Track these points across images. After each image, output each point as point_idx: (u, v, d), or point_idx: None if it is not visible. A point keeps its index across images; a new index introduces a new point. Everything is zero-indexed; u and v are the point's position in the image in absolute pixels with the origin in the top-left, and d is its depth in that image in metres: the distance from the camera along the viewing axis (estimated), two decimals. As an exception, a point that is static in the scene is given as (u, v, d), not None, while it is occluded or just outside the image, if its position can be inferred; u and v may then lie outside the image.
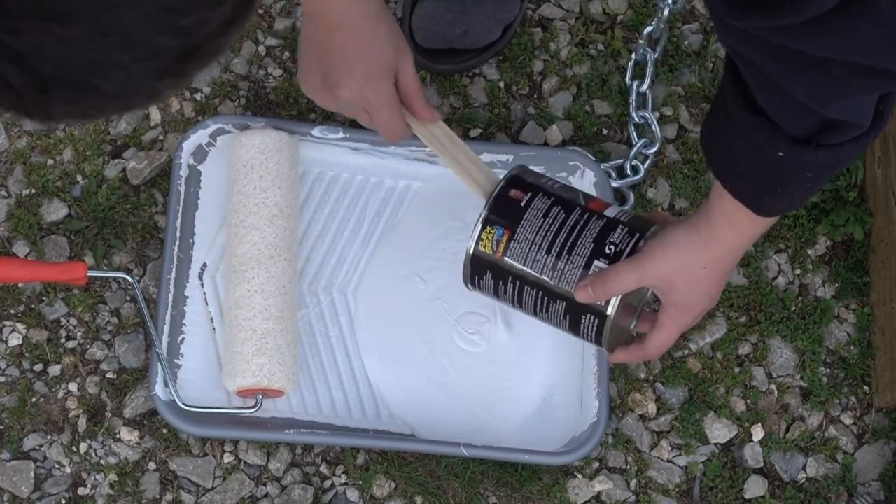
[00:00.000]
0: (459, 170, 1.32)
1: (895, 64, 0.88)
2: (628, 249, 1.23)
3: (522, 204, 1.27)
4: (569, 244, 1.25)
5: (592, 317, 1.25)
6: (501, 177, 1.30)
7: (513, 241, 1.27)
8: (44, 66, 0.58)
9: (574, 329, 1.28)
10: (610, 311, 1.24)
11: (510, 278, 1.28)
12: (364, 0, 1.25)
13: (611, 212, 1.27)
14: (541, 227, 1.26)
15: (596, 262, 1.24)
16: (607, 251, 1.24)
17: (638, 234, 1.24)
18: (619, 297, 1.23)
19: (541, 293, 1.27)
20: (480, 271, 1.30)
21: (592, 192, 1.56)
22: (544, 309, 1.28)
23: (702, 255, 1.17)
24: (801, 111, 0.98)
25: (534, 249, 1.26)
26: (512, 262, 1.27)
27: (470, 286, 1.33)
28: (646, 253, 1.21)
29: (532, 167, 1.59)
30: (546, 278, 1.26)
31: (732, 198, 1.10)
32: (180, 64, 0.61)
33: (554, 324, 1.30)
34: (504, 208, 1.28)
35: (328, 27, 1.25)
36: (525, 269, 1.27)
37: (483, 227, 1.28)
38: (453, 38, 1.62)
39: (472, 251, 1.28)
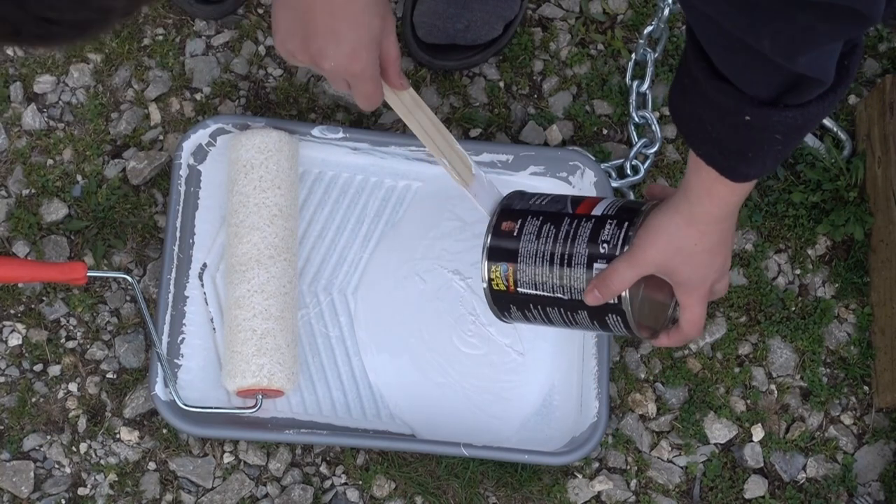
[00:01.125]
0: (423, 135, 1.33)
1: (859, 1, 0.88)
2: (620, 242, 1.25)
3: (515, 234, 1.31)
4: (566, 256, 1.28)
5: (615, 315, 1.27)
6: (493, 211, 1.34)
7: (518, 273, 1.31)
8: None
9: (608, 330, 1.31)
10: (625, 305, 1.25)
11: (531, 305, 1.32)
12: None
13: (599, 209, 1.29)
14: (537, 251, 1.29)
15: (596, 265, 1.26)
16: (602, 251, 1.26)
17: (626, 223, 1.25)
18: (629, 290, 1.24)
19: (562, 309, 1.30)
20: (504, 307, 1.34)
21: (592, 191, 1.56)
22: (573, 321, 1.31)
23: (689, 234, 1.18)
24: (765, 70, 0.97)
25: (538, 274, 1.29)
26: (525, 291, 1.31)
27: (503, 320, 1.37)
28: (637, 245, 1.22)
29: (532, 167, 1.60)
30: (560, 295, 1.29)
31: (708, 168, 1.10)
32: None
33: (590, 331, 1.34)
34: (501, 244, 1.32)
35: None
36: (539, 293, 1.30)
37: (489, 268, 1.32)
38: (455, 33, 1.61)
39: (488, 292, 1.33)
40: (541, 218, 1.31)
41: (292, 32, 1.19)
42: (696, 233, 1.18)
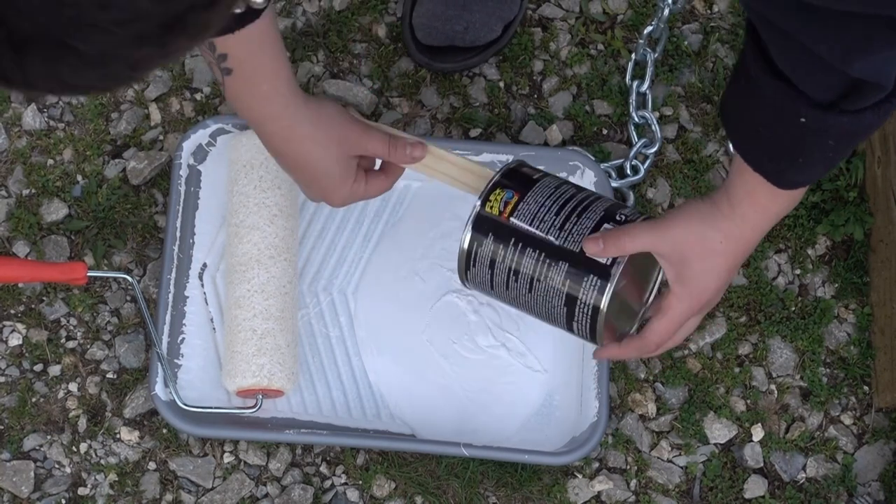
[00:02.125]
0: (453, 182, 1.32)
1: None
2: (638, 219, 1.22)
3: (535, 177, 1.28)
4: (578, 209, 1.24)
5: (595, 278, 1.21)
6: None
7: (521, 203, 1.25)
8: (20, 22, 0.57)
9: (570, 303, 1.23)
10: (613, 269, 1.20)
11: (511, 241, 1.25)
12: (286, 105, 1.22)
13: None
14: (551, 195, 1.25)
15: (605, 226, 1.22)
16: (618, 218, 1.23)
17: (645, 217, 1.24)
18: (625, 261, 1.20)
19: (541, 255, 1.23)
20: (481, 235, 1.26)
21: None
22: (543, 271, 1.24)
23: (721, 228, 1.15)
24: (823, 72, 0.96)
25: (542, 210, 1.24)
26: (517, 223, 1.25)
27: (464, 264, 1.28)
28: (663, 217, 1.18)
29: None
30: (552, 238, 1.23)
31: (753, 173, 1.09)
32: (161, 32, 0.59)
33: (544, 309, 1.26)
34: (516, 177, 1.27)
35: (274, 141, 1.25)
36: (529, 229, 1.24)
37: (492, 190, 1.26)
38: (454, 35, 1.61)
39: (475, 213, 1.26)
40: (562, 181, 1.28)
41: (302, 183, 1.30)
42: (727, 231, 1.15)
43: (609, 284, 1.21)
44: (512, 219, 1.25)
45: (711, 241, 1.15)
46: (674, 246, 1.17)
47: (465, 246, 1.27)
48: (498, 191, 1.26)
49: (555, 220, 1.23)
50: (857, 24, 0.89)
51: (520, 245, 1.25)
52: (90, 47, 0.58)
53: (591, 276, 1.21)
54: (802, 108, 1.00)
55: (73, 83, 0.61)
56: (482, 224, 1.26)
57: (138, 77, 0.62)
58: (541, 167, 1.34)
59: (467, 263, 1.28)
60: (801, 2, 0.88)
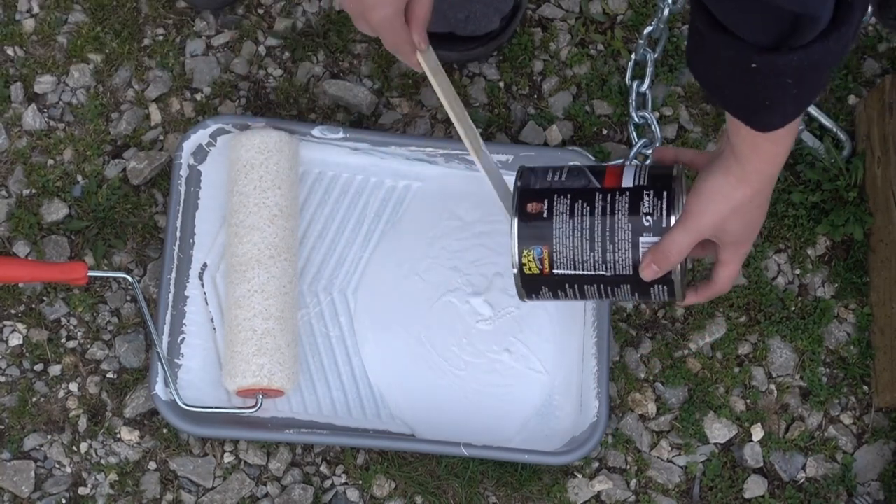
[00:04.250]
0: (443, 98, 1.34)
1: None
2: (664, 213, 1.24)
3: (545, 215, 1.28)
4: (608, 233, 1.26)
5: (661, 286, 1.27)
6: (512, 189, 1.32)
7: (555, 255, 1.28)
8: None
9: (646, 300, 1.30)
10: (674, 275, 1.25)
11: (566, 285, 1.29)
12: None
13: (628, 179, 1.27)
14: (574, 230, 1.27)
15: (642, 240, 1.25)
16: (646, 223, 1.24)
17: (665, 193, 1.25)
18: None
19: (602, 285, 1.28)
20: (535, 289, 1.31)
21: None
22: (612, 294, 1.30)
23: (745, 194, 1.19)
24: (760, 13, 0.99)
25: (578, 253, 1.27)
26: (563, 272, 1.28)
27: (528, 300, 1.34)
28: (691, 212, 1.22)
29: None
30: (602, 272, 1.27)
31: (746, 126, 1.12)
32: None
33: (623, 302, 1.33)
34: (530, 226, 1.28)
35: None
36: (578, 272, 1.28)
37: (520, 252, 1.28)
38: (455, 23, 1.61)
39: (520, 276, 1.30)
40: (569, 195, 1.28)
41: None
42: (749, 190, 1.19)
43: (675, 287, 1.27)
44: (555, 271, 1.28)
45: (742, 207, 1.20)
46: (713, 229, 1.22)
47: (522, 298, 1.33)
48: (525, 252, 1.28)
49: (594, 256, 1.27)
50: None
51: (576, 286, 1.30)
52: None
53: (656, 286, 1.27)
54: (750, 54, 1.03)
55: None
56: (531, 283, 1.30)
57: None
58: (539, 165, 1.35)
59: (528, 301, 1.34)
60: None
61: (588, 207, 1.27)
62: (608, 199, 1.26)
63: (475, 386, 1.54)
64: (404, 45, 1.27)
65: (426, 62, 1.30)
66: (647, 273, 1.25)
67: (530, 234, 1.28)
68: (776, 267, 1.63)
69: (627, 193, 1.26)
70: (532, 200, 1.29)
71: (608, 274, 1.27)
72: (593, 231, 1.26)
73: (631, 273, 1.26)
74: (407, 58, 1.29)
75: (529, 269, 1.28)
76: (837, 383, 1.59)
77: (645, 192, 1.25)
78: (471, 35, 1.63)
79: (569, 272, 1.28)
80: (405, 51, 1.28)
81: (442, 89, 1.33)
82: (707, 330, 1.59)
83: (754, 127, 1.12)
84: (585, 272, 1.27)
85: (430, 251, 1.58)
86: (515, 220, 1.28)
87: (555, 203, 1.28)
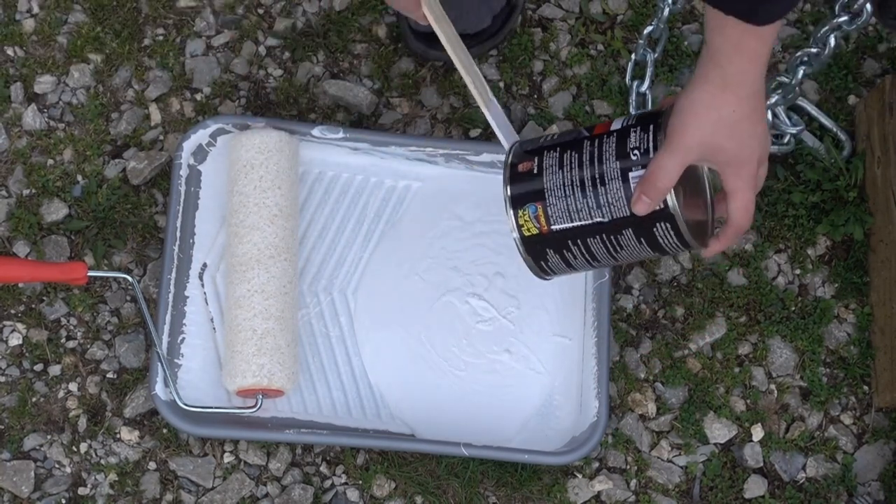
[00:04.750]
0: (450, 46, 1.34)
1: None
2: (651, 144, 1.19)
3: (535, 171, 1.25)
4: (597, 176, 1.21)
5: (663, 224, 1.21)
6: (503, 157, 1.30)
7: (549, 209, 1.24)
8: None
9: (656, 247, 1.23)
10: (673, 208, 1.19)
11: (570, 241, 1.25)
12: None
13: (617, 124, 1.23)
14: (564, 180, 1.23)
15: (632, 175, 1.20)
16: (634, 158, 1.20)
17: (652, 125, 1.20)
18: (674, 192, 1.19)
19: (605, 235, 1.23)
20: (541, 254, 1.27)
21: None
22: (619, 246, 1.24)
23: (726, 100, 1.14)
24: None
25: (571, 202, 1.23)
26: (561, 226, 1.24)
27: (541, 273, 1.30)
28: (674, 131, 1.16)
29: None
30: (599, 218, 1.22)
31: (734, 24, 1.08)
32: None
33: (637, 256, 1.26)
34: (522, 185, 1.25)
35: None
36: (576, 224, 1.23)
37: (515, 214, 1.25)
38: None
39: (520, 241, 1.26)
40: (558, 149, 1.25)
41: None
42: (732, 98, 1.14)
43: (678, 223, 1.20)
44: (553, 227, 1.24)
45: (726, 116, 1.14)
46: (700, 148, 1.16)
47: (534, 271, 1.29)
48: (521, 213, 1.25)
49: (588, 201, 1.22)
50: None
51: (579, 241, 1.25)
52: None
53: (658, 225, 1.21)
54: None
55: None
56: (534, 247, 1.26)
57: None
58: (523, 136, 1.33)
59: (543, 274, 1.30)
60: None
61: (577, 156, 1.23)
62: (596, 143, 1.23)
63: (475, 386, 1.54)
64: (408, 1, 1.29)
65: (430, 11, 1.31)
66: (640, 207, 1.19)
67: (522, 194, 1.25)
68: (776, 267, 1.63)
69: (615, 134, 1.22)
70: (523, 160, 1.26)
71: (606, 220, 1.22)
72: (583, 177, 1.22)
73: (629, 213, 1.21)
74: (412, 11, 1.30)
75: (528, 230, 1.25)
76: (837, 383, 1.59)
77: (632, 129, 1.21)
78: (462, 33, 1.63)
79: (567, 225, 1.24)
80: (410, 5, 1.29)
81: (447, 37, 1.33)
82: (707, 330, 1.59)
83: (754, 20, 1.08)
84: (583, 222, 1.23)
85: (429, 251, 1.58)
86: (507, 184, 1.26)
87: (544, 158, 1.25)
